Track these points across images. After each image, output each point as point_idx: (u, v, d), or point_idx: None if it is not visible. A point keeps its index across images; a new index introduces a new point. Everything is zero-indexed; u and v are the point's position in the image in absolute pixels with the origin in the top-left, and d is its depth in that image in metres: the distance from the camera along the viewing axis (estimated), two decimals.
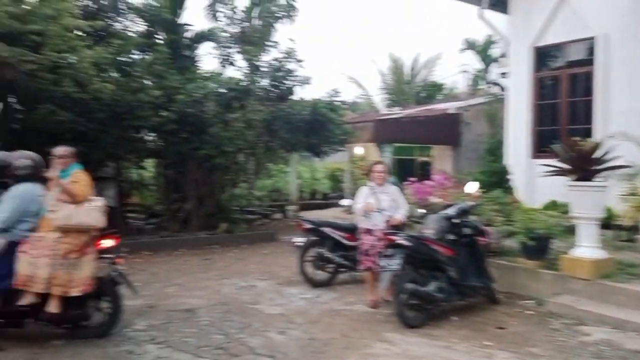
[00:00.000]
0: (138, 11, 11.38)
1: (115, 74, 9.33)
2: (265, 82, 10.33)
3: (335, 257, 6.69)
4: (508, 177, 8.59)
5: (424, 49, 46.37)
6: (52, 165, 4.65)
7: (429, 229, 5.67)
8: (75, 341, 4.65)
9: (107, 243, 4.79)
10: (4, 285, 4.37)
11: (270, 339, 4.80)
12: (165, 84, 9.56)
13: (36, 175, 4.68)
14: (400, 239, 5.23)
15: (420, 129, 15.52)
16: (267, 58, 10.63)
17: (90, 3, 10.20)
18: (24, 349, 4.47)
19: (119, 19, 12.17)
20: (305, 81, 11.20)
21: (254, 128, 10.46)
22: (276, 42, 10.79)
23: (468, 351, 4.50)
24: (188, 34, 12.71)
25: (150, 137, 11.03)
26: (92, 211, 4.55)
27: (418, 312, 5.19)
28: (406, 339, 4.77)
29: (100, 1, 10.98)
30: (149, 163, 12.39)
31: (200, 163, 10.75)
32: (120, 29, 11.33)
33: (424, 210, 6.49)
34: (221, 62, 10.62)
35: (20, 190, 4.53)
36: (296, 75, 10.48)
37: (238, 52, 10.61)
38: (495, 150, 9.46)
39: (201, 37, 13.62)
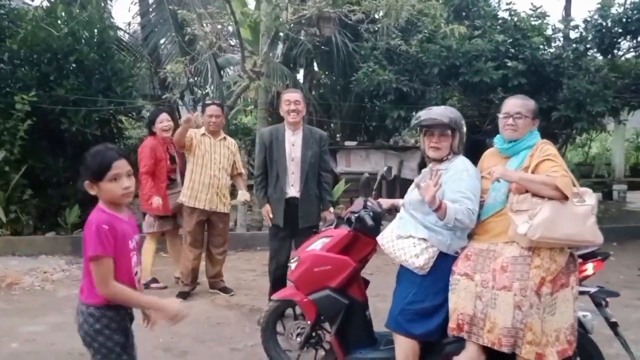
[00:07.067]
0: None
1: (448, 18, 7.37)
2: None
3: None
4: None
5: None
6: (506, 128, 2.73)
7: None
8: None
9: (588, 269, 2.72)
10: (431, 327, 2.67)
11: None
12: (508, 24, 7.22)
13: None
14: None
15: None
16: None
17: None
18: None
19: None
20: None
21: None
22: None
23: None
24: None
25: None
26: (584, 216, 2.47)
27: None
28: None
29: None
30: None
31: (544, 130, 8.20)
32: None
33: None
34: None
35: (470, 168, 2.72)
36: None
37: None
38: None
39: None
